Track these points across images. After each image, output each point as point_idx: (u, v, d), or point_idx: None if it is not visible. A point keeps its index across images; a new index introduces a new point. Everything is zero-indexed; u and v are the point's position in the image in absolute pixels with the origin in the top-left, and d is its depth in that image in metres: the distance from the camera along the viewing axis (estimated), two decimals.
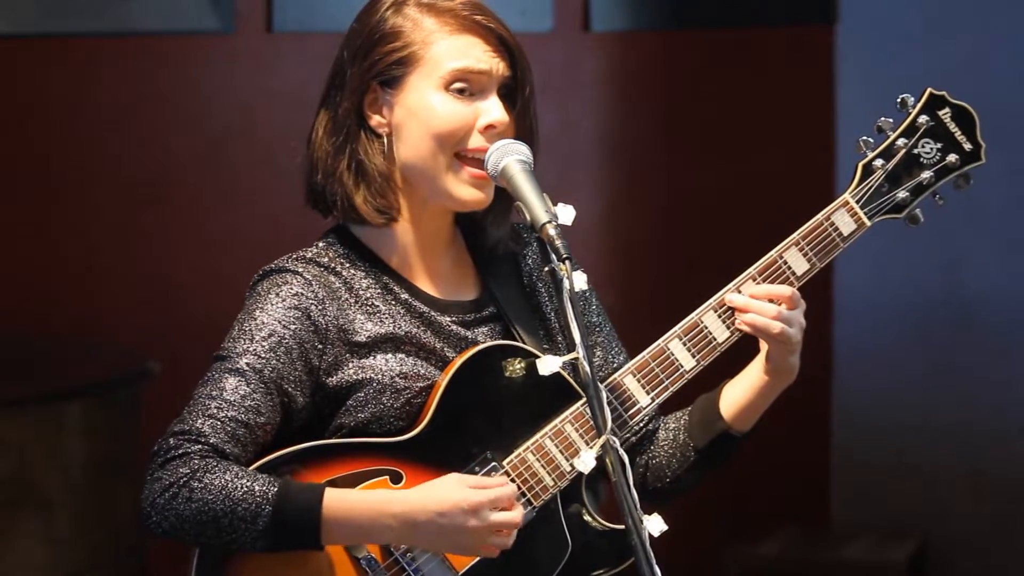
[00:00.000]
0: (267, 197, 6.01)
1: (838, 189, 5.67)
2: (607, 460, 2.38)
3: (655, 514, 2.38)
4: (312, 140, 2.68)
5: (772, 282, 2.66)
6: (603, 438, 2.38)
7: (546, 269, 2.46)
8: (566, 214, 2.50)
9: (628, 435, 2.73)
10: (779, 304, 2.63)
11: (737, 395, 2.71)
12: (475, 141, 2.61)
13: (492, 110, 2.61)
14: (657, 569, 2.36)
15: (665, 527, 2.38)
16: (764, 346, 2.68)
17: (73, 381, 5.13)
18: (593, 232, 5.87)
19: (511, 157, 2.56)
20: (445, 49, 2.61)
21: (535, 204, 2.49)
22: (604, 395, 2.43)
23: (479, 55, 2.61)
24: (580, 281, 2.42)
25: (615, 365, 2.73)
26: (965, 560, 5.81)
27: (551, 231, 2.45)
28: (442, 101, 2.61)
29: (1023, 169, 5.34)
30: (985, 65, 5.66)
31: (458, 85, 2.61)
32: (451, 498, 2.50)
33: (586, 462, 2.42)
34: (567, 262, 2.42)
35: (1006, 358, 5.74)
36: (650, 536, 2.37)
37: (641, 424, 2.76)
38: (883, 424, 5.84)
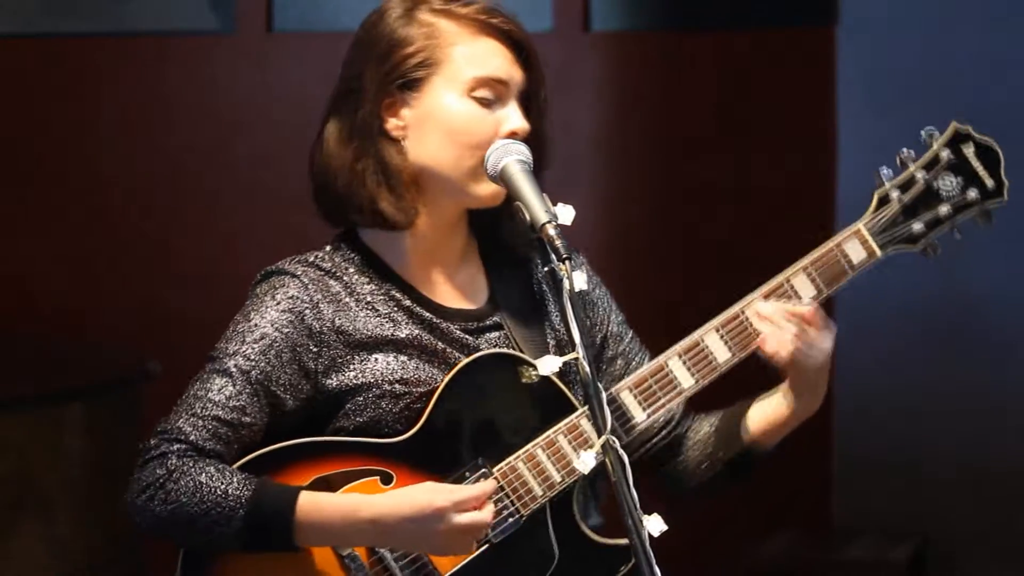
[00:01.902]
0: (268, 196, 6.01)
1: (839, 190, 5.69)
2: (607, 460, 2.38)
3: (655, 514, 2.38)
4: (323, 151, 2.67)
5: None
6: (603, 438, 2.38)
7: (546, 269, 2.47)
8: (566, 214, 2.50)
9: (657, 440, 2.75)
10: (801, 324, 2.62)
11: (762, 413, 2.71)
12: None
13: (513, 118, 2.62)
14: (657, 569, 2.36)
15: (665, 527, 2.37)
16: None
17: (73, 381, 5.13)
18: (592, 232, 5.87)
19: (511, 157, 2.57)
20: (466, 54, 2.62)
21: (535, 204, 2.49)
22: (604, 396, 2.43)
23: (499, 64, 2.63)
24: (580, 281, 2.42)
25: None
26: (965, 560, 5.81)
27: (551, 231, 2.45)
28: (466, 107, 2.61)
29: (1022, 168, 5.34)
30: (985, 65, 5.66)
31: (480, 92, 2.62)
32: (417, 503, 2.50)
33: (586, 462, 2.42)
34: (567, 262, 2.42)
35: (1006, 358, 5.74)
36: (650, 536, 2.37)
37: (669, 430, 2.76)
38: (884, 423, 5.84)
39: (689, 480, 2.76)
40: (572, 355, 2.41)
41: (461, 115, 2.61)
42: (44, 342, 5.83)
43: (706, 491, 2.76)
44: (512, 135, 2.61)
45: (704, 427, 2.77)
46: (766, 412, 2.70)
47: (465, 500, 2.51)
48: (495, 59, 2.63)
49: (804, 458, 5.87)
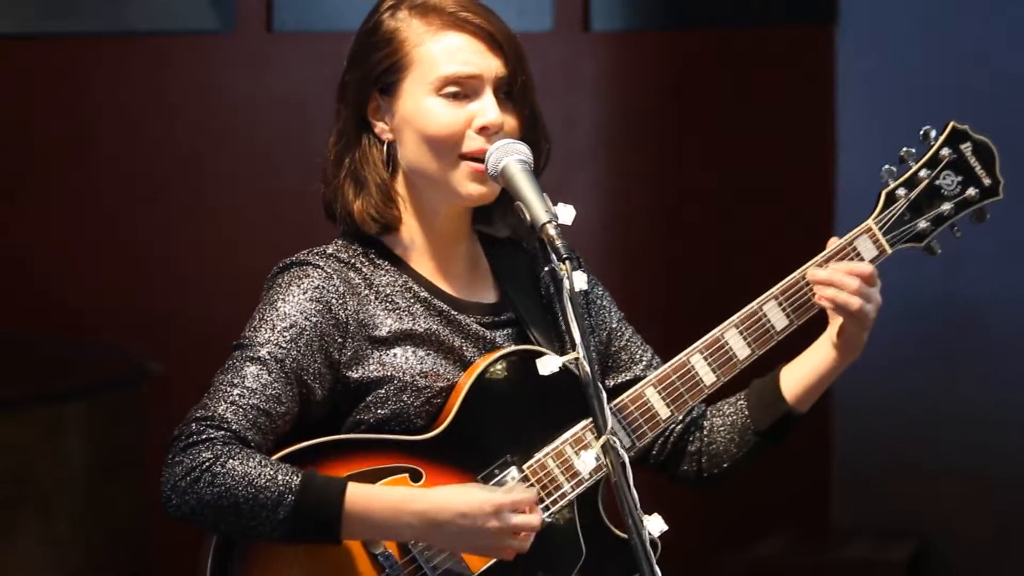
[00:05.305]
0: (266, 196, 6.02)
1: (838, 190, 5.69)
2: (607, 460, 2.38)
3: (655, 514, 2.38)
4: (326, 153, 2.69)
5: (793, 306, 2.68)
6: (603, 438, 2.38)
7: (546, 269, 2.46)
8: (566, 213, 2.50)
9: (675, 425, 2.76)
10: (859, 280, 2.65)
11: (801, 375, 2.73)
12: (473, 143, 2.60)
13: (487, 111, 2.60)
14: (657, 569, 2.36)
15: (665, 527, 2.38)
16: (835, 324, 2.69)
17: (73, 381, 5.13)
18: (592, 232, 5.87)
19: (511, 157, 2.56)
20: (434, 51, 2.61)
21: (535, 204, 2.49)
22: (604, 395, 2.43)
23: (468, 58, 2.61)
24: (580, 281, 2.42)
25: (644, 362, 2.77)
26: (965, 560, 5.81)
27: (551, 231, 2.45)
28: (435, 106, 2.60)
29: (1023, 168, 5.34)
30: (985, 65, 5.66)
31: (450, 89, 2.61)
32: (474, 499, 2.51)
33: (586, 462, 2.42)
34: (567, 262, 2.42)
35: (1006, 357, 5.74)
36: (651, 536, 2.37)
37: (683, 416, 2.78)
38: (883, 424, 5.84)
39: (721, 460, 2.77)
40: (572, 355, 2.41)
41: (431, 115, 2.60)
42: (44, 342, 5.83)
43: (740, 466, 2.77)
44: (484, 129, 2.60)
45: (726, 408, 2.78)
46: (805, 375, 2.73)
47: (520, 501, 2.52)
48: (462, 54, 2.61)
49: (803, 459, 5.87)
